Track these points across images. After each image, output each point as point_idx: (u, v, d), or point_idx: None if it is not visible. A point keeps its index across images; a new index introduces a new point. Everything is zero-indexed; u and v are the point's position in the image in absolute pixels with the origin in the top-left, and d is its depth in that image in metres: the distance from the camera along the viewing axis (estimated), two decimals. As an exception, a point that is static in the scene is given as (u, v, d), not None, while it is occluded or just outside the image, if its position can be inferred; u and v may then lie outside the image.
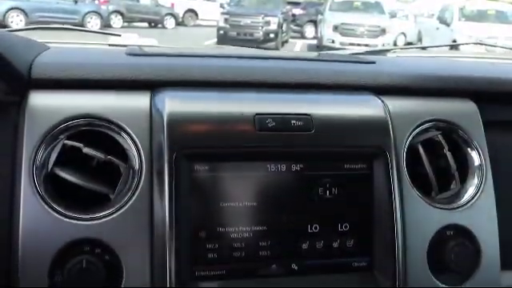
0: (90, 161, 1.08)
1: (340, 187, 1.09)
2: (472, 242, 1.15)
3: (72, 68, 1.11)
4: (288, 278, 1.05)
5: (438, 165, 1.23)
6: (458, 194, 1.21)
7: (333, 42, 14.88)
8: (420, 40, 17.35)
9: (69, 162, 1.06)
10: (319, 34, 16.92)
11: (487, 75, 1.34)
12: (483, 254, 1.16)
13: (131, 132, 1.05)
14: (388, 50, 2.07)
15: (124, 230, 1.00)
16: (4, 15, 16.27)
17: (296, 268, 1.06)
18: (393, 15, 17.76)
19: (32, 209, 0.99)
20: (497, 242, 1.18)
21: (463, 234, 1.16)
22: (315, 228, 1.07)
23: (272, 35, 15.57)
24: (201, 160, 1.03)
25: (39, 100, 1.06)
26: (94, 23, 18.29)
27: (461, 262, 1.11)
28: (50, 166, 1.03)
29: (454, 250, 1.11)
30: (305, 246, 1.07)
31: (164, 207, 1.00)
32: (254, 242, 1.04)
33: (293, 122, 1.07)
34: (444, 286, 1.14)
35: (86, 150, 1.04)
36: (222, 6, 21.13)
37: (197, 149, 1.03)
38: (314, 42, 18.14)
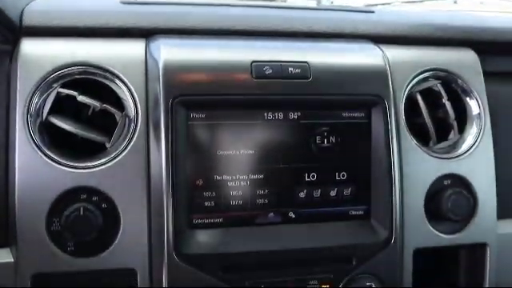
0: (85, 110, 1.06)
1: (338, 136, 1.08)
2: (469, 191, 1.15)
3: (64, 15, 1.08)
4: (285, 226, 1.06)
5: (436, 115, 1.22)
6: (456, 144, 1.20)
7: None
8: None
9: (64, 112, 1.05)
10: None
11: (488, 25, 1.32)
12: (480, 203, 1.17)
13: (126, 80, 1.04)
14: (388, 4, 2.03)
15: (121, 179, 1.00)
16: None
17: (293, 216, 1.07)
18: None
19: (27, 157, 0.98)
20: (494, 192, 1.18)
21: (460, 183, 1.16)
22: (312, 177, 1.07)
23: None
24: (197, 108, 1.02)
25: (31, 48, 1.04)
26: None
27: (458, 210, 1.12)
28: (44, 114, 1.02)
29: (451, 198, 1.11)
30: (302, 194, 1.07)
31: (161, 156, 0.99)
32: (251, 191, 1.04)
33: (290, 69, 1.06)
34: (441, 234, 1.14)
35: (80, 97, 1.02)
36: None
37: (193, 96, 1.01)
38: None
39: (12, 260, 0.98)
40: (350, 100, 1.09)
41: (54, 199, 0.97)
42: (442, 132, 1.22)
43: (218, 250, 1.00)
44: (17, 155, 0.98)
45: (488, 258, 1.19)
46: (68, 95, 1.03)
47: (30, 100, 1.00)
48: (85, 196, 0.98)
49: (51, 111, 1.02)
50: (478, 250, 1.20)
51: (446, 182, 1.15)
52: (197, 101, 1.02)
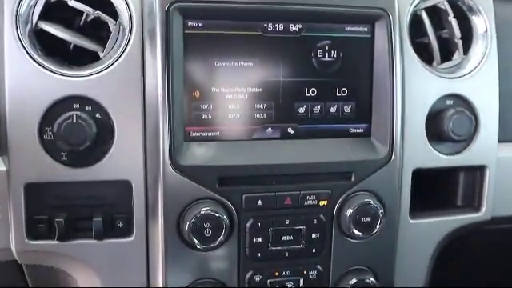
0: (77, 20, 1.02)
1: (339, 50, 1.04)
2: (471, 112, 1.13)
3: None
4: (283, 142, 1.03)
5: (441, 36, 1.18)
6: (461, 64, 1.17)
7: None
8: None
9: (55, 20, 1.00)
10: None
11: None
12: (481, 124, 1.15)
13: None
14: None
15: (114, 88, 0.97)
16: None
17: (292, 132, 1.04)
18: None
19: (18, 65, 0.95)
20: (496, 114, 1.16)
21: (463, 104, 1.13)
22: (312, 92, 1.04)
23: None
24: (194, 16, 0.97)
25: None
26: None
27: (459, 130, 1.09)
28: (34, 20, 0.97)
29: (452, 118, 1.09)
30: (301, 110, 1.04)
31: (156, 65, 0.96)
32: (249, 105, 1.01)
33: None
34: (441, 155, 1.13)
35: (72, 2, 0.98)
36: None
37: (190, 3, 0.96)
38: None
39: (5, 169, 0.95)
40: (354, 13, 1.04)
41: (46, 108, 0.94)
42: (447, 53, 1.19)
43: (215, 162, 0.98)
44: (6, 63, 0.95)
45: (487, 181, 1.18)
46: (59, 0, 0.98)
47: (18, 5, 0.96)
48: (78, 105, 0.95)
49: (41, 18, 0.98)
50: (477, 173, 1.19)
51: (448, 102, 1.13)
52: (194, 8, 0.97)
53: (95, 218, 0.98)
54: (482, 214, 1.19)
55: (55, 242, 0.98)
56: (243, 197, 0.99)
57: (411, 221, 1.14)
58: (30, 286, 1.12)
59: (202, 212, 0.95)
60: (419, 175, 1.13)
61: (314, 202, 1.02)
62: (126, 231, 1.00)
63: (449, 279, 1.46)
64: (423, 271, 1.19)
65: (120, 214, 1.00)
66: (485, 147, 1.16)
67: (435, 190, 1.24)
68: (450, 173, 1.21)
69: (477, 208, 1.20)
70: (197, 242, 0.96)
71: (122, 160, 0.97)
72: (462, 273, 1.50)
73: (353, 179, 1.04)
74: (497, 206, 1.20)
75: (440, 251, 1.22)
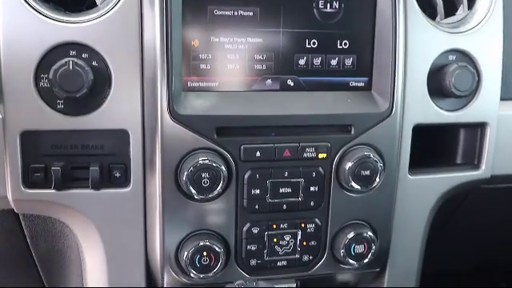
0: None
1: (342, 1, 1.02)
2: (474, 67, 1.11)
3: None
4: (283, 93, 1.02)
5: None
6: (465, 20, 1.15)
7: None
8: None
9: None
10: None
11: None
12: (484, 80, 1.13)
13: None
14: None
15: (112, 36, 0.95)
16: None
17: (292, 84, 1.03)
18: None
19: (13, 11, 0.92)
20: (499, 70, 1.14)
21: (466, 59, 1.11)
22: (313, 43, 1.02)
23: None
24: None
25: None
26: None
27: (461, 85, 1.08)
28: None
29: (455, 73, 1.07)
30: (302, 61, 1.02)
31: (154, 13, 0.94)
32: (248, 55, 1.00)
33: None
34: (442, 111, 1.11)
35: None
36: None
37: None
38: None
39: (0, 116, 0.94)
40: None
41: (42, 54, 0.93)
42: (450, 8, 1.17)
43: (213, 112, 0.97)
44: (1, 9, 0.92)
45: (487, 139, 1.17)
46: None
47: None
48: (74, 52, 0.94)
49: (37, -37, 0.95)
50: (477, 130, 1.18)
51: (450, 57, 1.11)
52: None
53: (92, 167, 0.97)
54: (482, 172, 1.18)
55: (52, 190, 0.97)
56: (241, 147, 0.98)
57: (410, 177, 1.13)
58: (27, 237, 1.12)
59: (200, 162, 0.94)
60: (419, 132, 1.12)
61: (313, 154, 1.01)
62: (123, 181, 1.00)
63: (446, 238, 1.47)
64: (421, 228, 1.19)
65: (117, 164, 0.99)
66: (486, 104, 1.15)
67: (435, 147, 1.24)
68: (451, 130, 1.20)
69: (476, 166, 1.19)
70: (194, 192, 0.96)
71: (120, 109, 0.96)
72: (459, 232, 1.50)
73: (352, 132, 1.03)
74: (496, 165, 1.19)
75: (438, 209, 1.21)
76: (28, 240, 1.12)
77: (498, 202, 1.41)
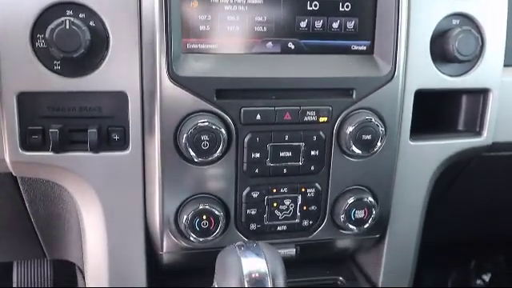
0: None
1: None
2: (478, 32, 1.09)
3: None
4: (284, 56, 1.00)
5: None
6: (469, -16, 1.13)
7: None
8: None
9: None
10: None
11: None
12: (488, 45, 1.11)
13: None
14: None
15: None
16: None
17: (293, 47, 1.01)
18: None
19: None
20: (503, 35, 1.13)
21: (470, 23, 1.10)
22: (315, 6, 1.00)
23: None
24: None
25: None
26: None
27: (465, 49, 1.06)
28: None
29: (458, 37, 1.05)
30: (303, 24, 1.00)
31: None
32: (249, 17, 0.98)
33: None
34: (445, 76, 1.10)
35: None
36: None
37: None
38: None
39: None
40: None
41: (38, 14, 0.91)
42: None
43: (213, 73, 0.95)
44: None
45: (489, 105, 1.16)
46: None
47: None
48: (71, 12, 0.92)
49: None
50: (480, 96, 1.16)
51: (454, 22, 1.09)
52: None
53: (90, 130, 0.95)
54: (483, 138, 1.17)
55: (50, 153, 0.96)
56: (241, 110, 0.97)
57: (411, 143, 1.12)
58: (26, 201, 1.11)
59: (200, 124, 0.93)
60: (421, 98, 1.11)
61: (313, 118, 1.00)
62: (122, 144, 0.99)
63: (446, 208, 1.47)
64: (421, 195, 1.18)
65: (116, 126, 0.98)
66: (489, 70, 1.13)
67: (436, 114, 1.23)
68: (453, 96, 1.19)
69: (478, 133, 1.18)
70: (193, 154, 0.95)
71: (118, 71, 0.95)
72: (459, 202, 1.50)
73: (354, 96, 1.02)
74: (498, 132, 1.19)
75: (439, 177, 1.21)
76: (27, 204, 1.12)
77: (499, 171, 1.41)
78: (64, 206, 1.12)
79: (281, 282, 0.77)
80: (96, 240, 1.07)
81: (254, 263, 0.77)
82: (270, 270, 0.77)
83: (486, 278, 2.44)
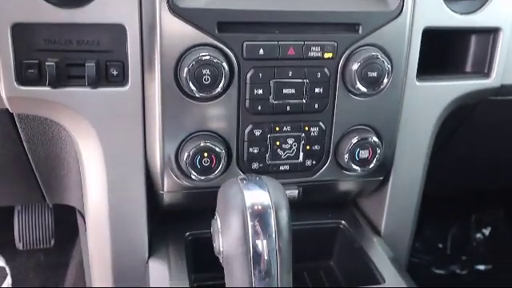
0: None
1: None
2: None
3: None
4: None
5: None
6: None
7: None
8: None
9: None
10: None
11: None
12: None
13: None
14: None
15: None
16: None
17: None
18: None
19: None
20: None
21: None
22: None
23: None
24: None
25: None
26: None
27: None
28: None
29: None
30: None
31: None
32: None
33: None
34: (454, 14, 1.06)
35: None
36: None
37: None
38: None
39: None
40: None
41: None
42: None
43: (214, 5, 0.92)
44: None
45: (499, 45, 1.12)
46: None
47: None
48: None
49: None
50: (490, 36, 1.13)
51: None
52: None
53: (88, 63, 0.92)
54: (491, 80, 1.14)
55: (46, 88, 0.93)
56: (244, 44, 0.94)
57: (418, 83, 1.09)
58: (24, 141, 1.09)
59: (201, 57, 0.90)
60: (429, 38, 1.07)
61: (318, 53, 0.97)
62: (121, 80, 0.96)
63: (449, 158, 1.45)
64: (426, 138, 1.16)
65: (114, 61, 0.95)
66: (501, 8, 1.09)
67: (444, 55, 1.19)
68: (461, 36, 1.16)
69: (486, 74, 1.15)
70: (194, 89, 0.92)
71: (115, 2, 0.91)
72: (462, 151, 1.48)
73: (360, 32, 0.98)
74: (507, 74, 1.15)
75: (444, 123, 1.18)
76: (25, 144, 1.09)
77: (504, 119, 1.38)
78: (63, 146, 1.10)
79: (284, 214, 0.75)
80: (95, 180, 1.05)
81: (256, 195, 0.75)
82: (273, 203, 0.75)
83: (486, 231, 2.45)
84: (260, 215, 0.74)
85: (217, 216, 0.78)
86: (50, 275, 1.98)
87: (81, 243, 1.55)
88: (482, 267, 2.37)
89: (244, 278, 0.72)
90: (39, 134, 1.08)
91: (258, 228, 0.73)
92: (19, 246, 1.88)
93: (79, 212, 1.40)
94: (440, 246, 2.42)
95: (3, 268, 2.01)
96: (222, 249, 0.76)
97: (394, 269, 1.09)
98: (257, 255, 0.72)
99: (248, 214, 0.74)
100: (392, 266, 1.10)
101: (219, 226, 0.76)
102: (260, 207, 0.74)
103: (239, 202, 0.74)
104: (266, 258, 0.73)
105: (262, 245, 0.72)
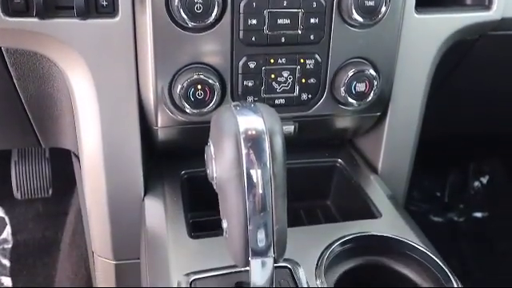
0: None
1: None
2: None
3: None
4: None
5: None
6: None
7: None
8: None
9: None
10: None
11: None
12: None
13: None
14: None
15: None
16: None
17: None
18: None
19: None
20: None
21: None
22: None
23: None
24: None
25: None
26: None
27: None
28: None
29: None
30: None
31: None
32: None
33: None
34: None
35: None
36: None
37: None
38: None
39: None
40: None
41: None
42: None
43: None
44: None
45: None
46: None
47: None
48: None
49: None
50: None
51: None
52: None
53: None
54: (493, 12, 1.11)
55: (34, 19, 0.91)
56: None
57: (416, 15, 1.06)
58: (14, 78, 1.07)
59: None
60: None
61: None
62: (111, 11, 0.93)
63: (446, 99, 1.43)
64: (425, 73, 1.14)
65: None
66: None
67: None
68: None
69: (487, 7, 1.12)
70: (186, 18, 0.90)
71: None
72: (459, 92, 1.46)
73: None
74: (508, 7, 1.12)
75: (442, 60, 1.16)
76: (15, 81, 1.07)
77: (503, 56, 1.35)
78: (54, 83, 1.08)
79: (278, 139, 0.74)
80: (88, 118, 1.04)
81: (250, 121, 0.74)
82: (268, 128, 0.73)
83: (484, 180, 2.46)
84: (254, 140, 0.72)
85: (210, 142, 0.77)
86: (48, 225, 2.00)
87: (78, 188, 1.55)
88: (479, 215, 2.39)
89: (238, 201, 0.71)
90: (29, 71, 1.06)
91: (252, 153, 0.71)
92: (17, 195, 1.88)
93: (75, 155, 1.39)
94: (438, 194, 2.43)
95: (2, 218, 2.02)
96: (215, 174, 0.75)
97: (391, 205, 1.09)
98: (250, 179, 0.71)
99: (242, 139, 0.72)
100: (389, 202, 1.10)
101: (212, 152, 0.75)
102: (254, 132, 0.73)
103: (232, 128, 0.73)
104: (260, 182, 0.72)
105: (255, 169, 0.71)
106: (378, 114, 1.14)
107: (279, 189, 0.72)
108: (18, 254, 1.95)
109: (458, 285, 0.87)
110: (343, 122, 1.14)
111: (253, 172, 0.71)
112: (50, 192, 1.91)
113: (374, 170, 1.22)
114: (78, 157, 1.33)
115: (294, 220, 0.99)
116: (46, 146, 1.36)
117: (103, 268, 1.19)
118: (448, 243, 2.24)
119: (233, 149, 0.71)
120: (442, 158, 2.34)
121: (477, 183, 2.45)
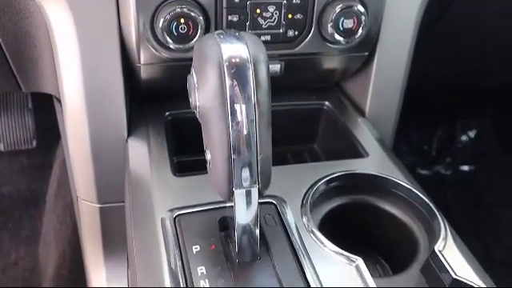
0: None
1: None
2: None
3: None
4: None
5: None
6: None
7: None
8: None
9: None
10: None
11: None
12: None
13: None
14: None
15: None
16: None
17: None
18: None
19: None
20: None
21: None
22: None
23: None
24: None
25: None
26: None
27: None
28: None
29: None
30: None
31: None
32: None
33: None
34: None
35: None
36: None
37: None
38: None
39: None
40: None
41: None
42: None
43: None
44: None
45: None
46: None
47: None
48: None
49: None
50: None
51: None
52: None
53: None
54: None
55: None
56: None
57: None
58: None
59: None
60: None
61: None
62: None
63: (434, 43, 1.41)
64: (414, 10, 1.10)
65: None
66: None
67: None
68: None
69: None
70: None
71: None
72: (449, 33, 1.44)
73: None
74: None
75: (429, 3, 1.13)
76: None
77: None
78: (32, 20, 1.04)
79: (263, 67, 0.71)
80: (68, 57, 1.00)
81: (234, 48, 0.71)
82: (252, 56, 0.71)
83: (472, 134, 2.47)
84: (237, 68, 0.70)
85: (192, 71, 0.75)
86: (33, 177, 1.98)
87: (61, 135, 1.52)
88: (465, 168, 2.40)
89: (221, 131, 0.69)
90: (5, 6, 1.01)
91: (235, 81, 0.69)
92: (1, 147, 1.86)
93: (57, 99, 1.36)
94: (425, 147, 2.44)
95: (-14, 171, 2.00)
96: (198, 103, 0.72)
97: (378, 146, 1.08)
98: (234, 108, 0.69)
99: (225, 66, 0.70)
100: (377, 143, 1.09)
101: (195, 81, 0.73)
102: (238, 60, 0.70)
103: (216, 55, 0.70)
104: (243, 111, 0.70)
105: (239, 97, 0.69)
106: (366, 53, 1.12)
107: (263, 117, 0.70)
108: (4, 207, 1.94)
109: (443, 221, 0.87)
110: (331, 62, 1.12)
111: (236, 100, 0.69)
112: (34, 143, 1.89)
113: (362, 113, 1.20)
114: (60, 101, 1.30)
115: (281, 163, 0.98)
116: (27, 90, 1.32)
117: (88, 212, 1.18)
118: (435, 195, 2.26)
119: (216, 77, 0.69)
120: (431, 112, 2.34)
121: (464, 137, 2.46)
